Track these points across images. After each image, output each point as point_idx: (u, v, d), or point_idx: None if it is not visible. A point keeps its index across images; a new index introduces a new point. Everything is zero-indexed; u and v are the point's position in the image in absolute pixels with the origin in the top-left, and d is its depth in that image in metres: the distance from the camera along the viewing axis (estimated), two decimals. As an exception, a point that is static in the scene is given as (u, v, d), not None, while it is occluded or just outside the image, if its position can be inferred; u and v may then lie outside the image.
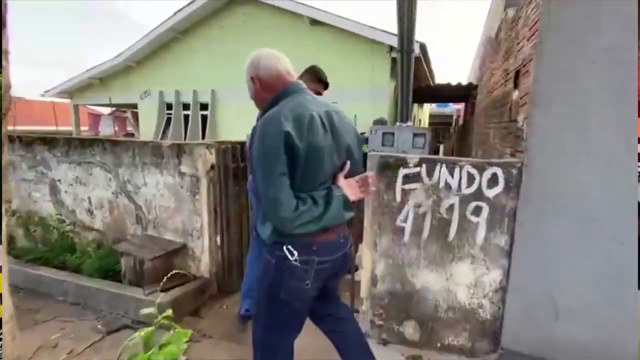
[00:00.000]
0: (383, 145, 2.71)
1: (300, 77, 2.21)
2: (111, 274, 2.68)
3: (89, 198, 2.98)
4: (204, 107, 8.01)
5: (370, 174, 1.22)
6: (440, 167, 1.69)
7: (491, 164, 1.61)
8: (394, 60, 6.33)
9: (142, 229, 2.76)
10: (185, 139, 7.84)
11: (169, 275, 2.26)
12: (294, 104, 1.10)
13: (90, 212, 3.01)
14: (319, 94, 2.09)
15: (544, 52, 1.43)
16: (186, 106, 8.18)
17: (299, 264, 1.11)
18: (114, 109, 11.09)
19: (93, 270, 2.66)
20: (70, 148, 3.00)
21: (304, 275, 1.12)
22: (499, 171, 1.60)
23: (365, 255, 1.91)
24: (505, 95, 2.28)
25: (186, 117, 8.16)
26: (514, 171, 1.58)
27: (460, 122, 12.12)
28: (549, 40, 1.41)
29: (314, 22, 6.57)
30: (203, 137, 7.84)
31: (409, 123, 3.02)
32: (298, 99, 1.13)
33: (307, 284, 1.13)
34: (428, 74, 7.98)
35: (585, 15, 1.34)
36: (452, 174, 1.68)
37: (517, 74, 1.86)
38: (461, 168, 1.66)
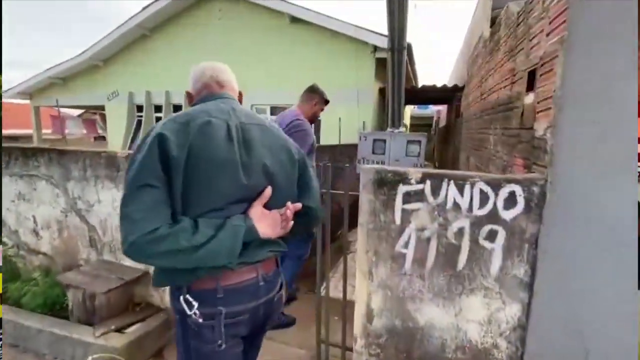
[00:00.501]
0: (374, 153, 2.45)
1: (306, 97, 2.38)
2: (59, 307, 2.28)
3: (34, 217, 2.56)
4: (177, 108, 7.54)
5: (292, 206, 0.96)
6: (448, 184, 1.42)
7: (509, 181, 1.36)
8: (379, 60, 6.12)
9: (97, 253, 2.37)
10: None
11: (127, 308, 1.90)
12: (198, 109, 0.92)
13: (35, 232, 2.59)
14: (322, 110, 2.22)
15: (574, 49, 1.18)
16: (158, 108, 7.67)
17: (201, 320, 0.84)
18: (82, 111, 10.38)
19: (36, 304, 2.25)
20: (11, 159, 2.56)
21: (211, 336, 0.84)
22: (517, 189, 1.35)
23: (360, 286, 1.62)
24: (513, 98, 2.05)
25: (158, 119, 7.66)
26: (536, 189, 1.33)
27: (442, 123, 12.11)
28: (580, 33, 1.16)
29: (295, 20, 6.27)
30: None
31: (402, 129, 2.77)
32: (208, 105, 0.95)
33: (218, 346, 0.84)
34: (412, 75, 7.83)
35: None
36: (461, 192, 1.41)
37: (532, 74, 1.62)
38: (472, 185, 1.40)
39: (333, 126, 6.04)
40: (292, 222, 1.00)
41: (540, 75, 1.49)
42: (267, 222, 0.91)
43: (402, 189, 1.47)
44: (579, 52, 1.19)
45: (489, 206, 1.39)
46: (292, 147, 1.06)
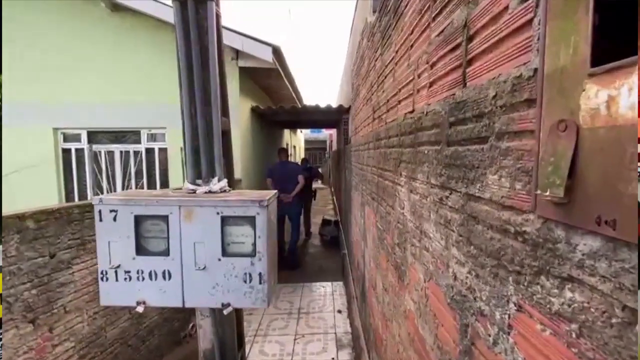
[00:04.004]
0: (140, 252, 0.84)
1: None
2: None
3: None
4: None
5: None
6: None
7: None
8: (244, 71, 4.56)
9: None
10: None
11: None
12: None
13: None
14: None
15: None
16: None
17: None
18: None
19: None
20: None
21: None
22: None
23: None
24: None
25: None
26: None
27: (335, 147, 11.31)
28: None
29: (116, 8, 4.27)
30: None
31: (222, 183, 1.17)
32: None
33: None
34: (293, 93, 6.55)
35: None
36: None
37: None
38: None
39: (174, 161, 4.21)
40: None
41: None
42: None
43: None
44: None
45: None
46: None
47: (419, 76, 1.09)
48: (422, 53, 1.05)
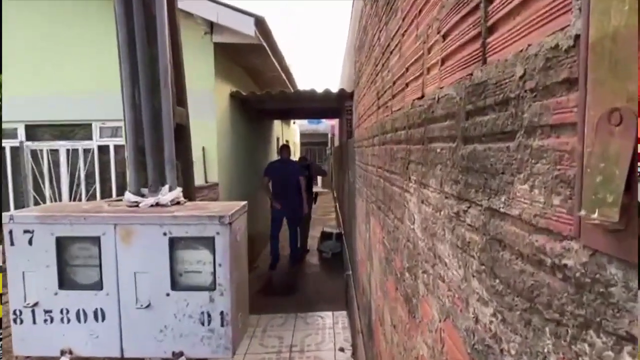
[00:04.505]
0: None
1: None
2: None
3: None
4: None
5: None
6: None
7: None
8: (220, 47, 4.53)
9: None
10: None
11: None
12: None
13: None
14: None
15: None
16: None
17: None
18: None
19: None
20: None
21: None
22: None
23: None
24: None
25: None
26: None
27: (337, 142, 11.27)
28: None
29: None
30: None
31: (173, 194, 1.11)
32: None
33: None
34: (284, 75, 6.52)
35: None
36: None
37: None
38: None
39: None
40: None
41: None
42: None
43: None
44: None
45: None
46: None
47: (429, 50, 1.04)
48: (432, 20, 0.99)
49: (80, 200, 4.57)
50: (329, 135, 20.12)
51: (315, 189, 8.26)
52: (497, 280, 0.66)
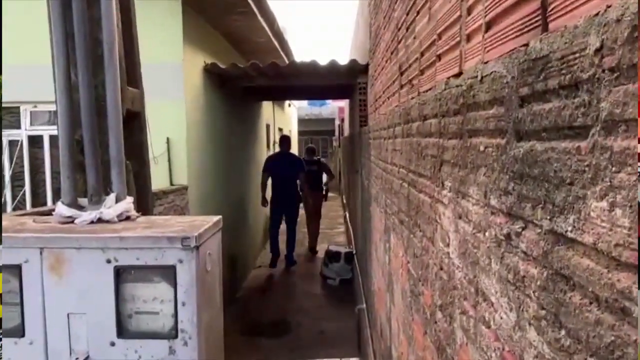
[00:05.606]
0: None
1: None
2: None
3: None
4: None
5: None
6: None
7: None
8: (191, 6, 4.57)
9: None
10: None
11: None
12: None
13: None
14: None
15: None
16: None
17: None
18: None
19: None
20: None
21: None
22: None
23: None
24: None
25: None
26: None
27: (347, 130, 11.31)
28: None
29: None
30: None
31: (121, 206, 1.11)
32: None
33: None
34: (276, 41, 6.59)
35: None
36: None
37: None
38: None
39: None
40: None
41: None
42: None
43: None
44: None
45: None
46: None
47: (469, 11, 1.07)
48: None
49: (4, 210, 4.61)
50: (336, 122, 20.23)
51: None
52: (563, 332, 0.67)
